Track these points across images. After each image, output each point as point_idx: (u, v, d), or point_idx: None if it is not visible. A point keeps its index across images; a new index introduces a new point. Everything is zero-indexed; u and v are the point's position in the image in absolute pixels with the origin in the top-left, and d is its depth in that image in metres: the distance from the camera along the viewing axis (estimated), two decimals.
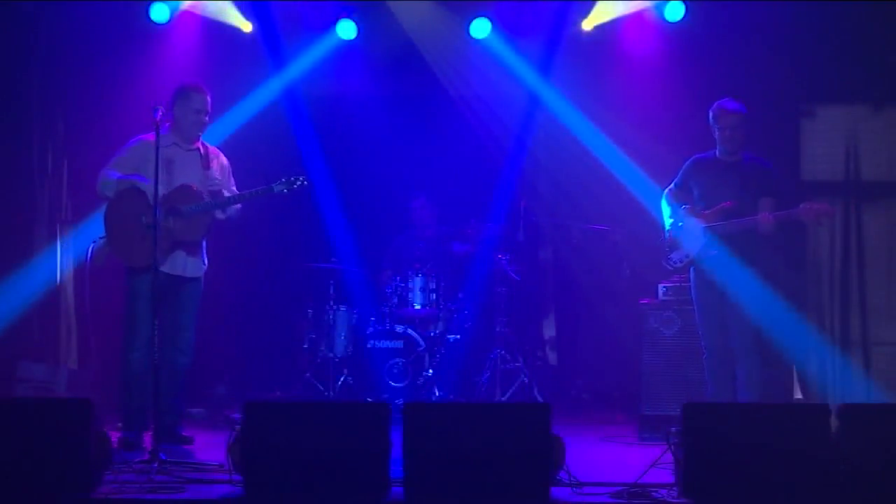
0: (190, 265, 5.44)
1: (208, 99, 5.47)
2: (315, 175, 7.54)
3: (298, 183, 5.35)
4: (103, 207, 5.39)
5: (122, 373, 5.38)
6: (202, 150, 5.52)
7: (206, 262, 5.58)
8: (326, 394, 6.87)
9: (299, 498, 4.06)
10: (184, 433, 5.53)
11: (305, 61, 7.44)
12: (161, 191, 5.05)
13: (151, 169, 5.21)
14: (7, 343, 6.46)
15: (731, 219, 5.45)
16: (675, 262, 5.70)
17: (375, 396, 6.73)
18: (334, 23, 7.36)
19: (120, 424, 5.41)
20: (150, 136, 5.35)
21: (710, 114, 5.59)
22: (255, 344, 7.70)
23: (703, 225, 5.53)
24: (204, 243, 5.55)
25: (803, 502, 4.05)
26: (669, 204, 5.81)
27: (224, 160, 5.67)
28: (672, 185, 5.83)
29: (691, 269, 5.65)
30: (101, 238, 5.37)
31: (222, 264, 7.34)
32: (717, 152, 5.64)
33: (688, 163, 5.76)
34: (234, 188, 5.62)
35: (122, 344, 5.38)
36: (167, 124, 5.42)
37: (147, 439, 5.25)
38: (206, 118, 5.50)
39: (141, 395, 5.33)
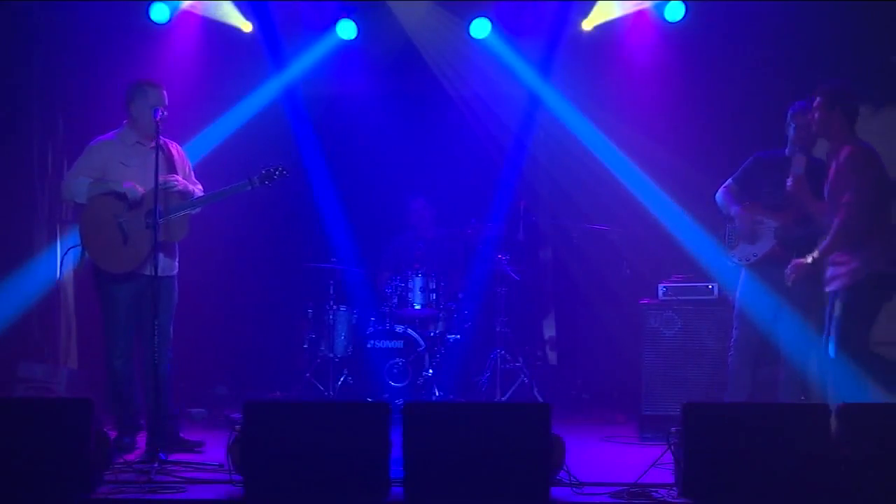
0: (167, 265, 5.30)
1: (164, 94, 5.30)
2: (315, 175, 7.56)
3: (277, 173, 5.24)
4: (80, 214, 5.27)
5: (109, 380, 5.29)
6: (165, 148, 5.31)
7: (178, 260, 5.48)
8: (326, 394, 6.87)
9: (299, 498, 4.06)
10: (190, 438, 5.42)
11: (305, 61, 7.44)
12: (140, 192, 5.04)
13: (119, 170, 5.19)
14: (7, 343, 6.46)
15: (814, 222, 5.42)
16: (742, 259, 5.63)
17: (375, 396, 6.73)
18: (334, 23, 7.35)
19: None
20: (109, 137, 5.33)
21: (790, 112, 5.57)
22: (255, 344, 7.69)
23: (776, 225, 5.52)
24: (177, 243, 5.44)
25: (803, 502, 4.05)
26: (729, 199, 5.70)
27: (184, 154, 5.55)
28: (730, 181, 5.75)
29: (748, 266, 5.61)
30: (75, 246, 5.22)
31: (222, 265, 7.39)
32: (787, 151, 5.57)
33: (750, 160, 5.73)
34: (195, 179, 5.51)
35: (105, 351, 5.28)
36: (124, 122, 5.35)
37: (141, 441, 5.25)
38: (164, 112, 5.23)
39: (129, 399, 5.30)
